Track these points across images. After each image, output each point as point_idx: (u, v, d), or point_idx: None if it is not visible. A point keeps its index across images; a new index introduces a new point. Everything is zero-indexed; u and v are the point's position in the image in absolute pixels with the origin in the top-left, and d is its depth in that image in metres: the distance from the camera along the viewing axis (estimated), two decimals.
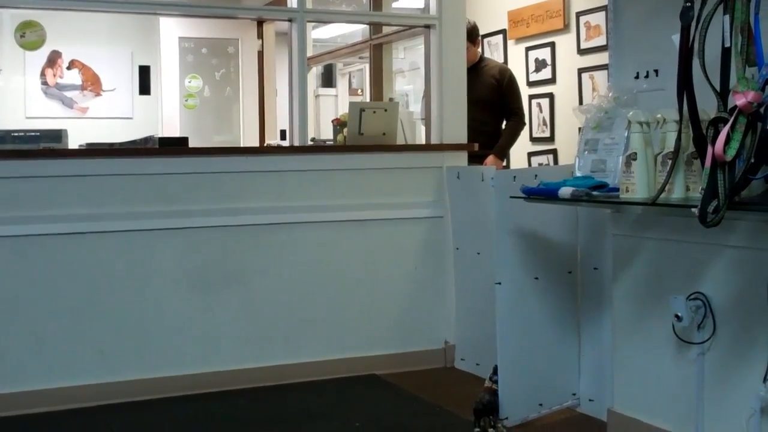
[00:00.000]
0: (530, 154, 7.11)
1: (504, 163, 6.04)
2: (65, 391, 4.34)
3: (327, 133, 6.62)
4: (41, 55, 8.01)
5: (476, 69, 5.88)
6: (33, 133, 4.63)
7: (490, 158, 5.71)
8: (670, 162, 3.10)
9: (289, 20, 5.02)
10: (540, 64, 7.16)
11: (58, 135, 4.58)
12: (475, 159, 5.42)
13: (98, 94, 8.48)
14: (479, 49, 6.20)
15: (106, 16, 7.90)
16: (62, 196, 4.36)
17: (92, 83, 8.44)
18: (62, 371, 4.36)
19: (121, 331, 4.46)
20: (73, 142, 4.75)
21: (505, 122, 5.97)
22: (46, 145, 4.48)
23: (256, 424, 4.17)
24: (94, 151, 4.62)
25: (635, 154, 3.24)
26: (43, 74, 8.28)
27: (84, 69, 8.42)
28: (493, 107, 5.88)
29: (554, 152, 7.02)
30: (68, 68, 8.37)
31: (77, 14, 7.10)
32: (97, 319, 4.42)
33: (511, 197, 3.79)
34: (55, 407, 4.28)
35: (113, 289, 4.45)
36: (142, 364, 4.50)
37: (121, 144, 4.83)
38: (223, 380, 4.61)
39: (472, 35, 5.87)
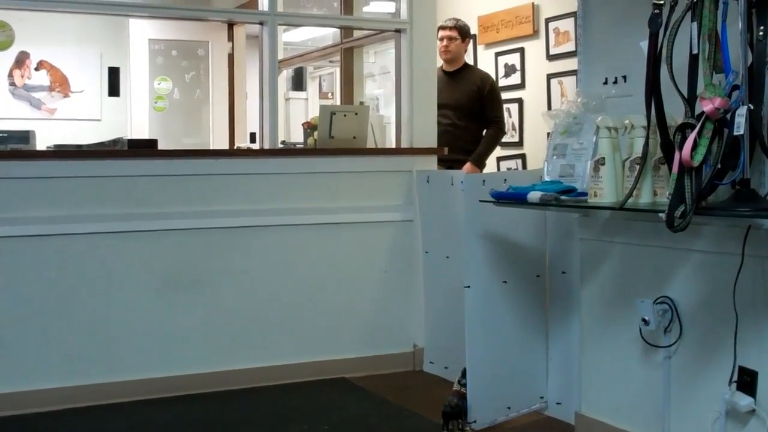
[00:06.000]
0: (499, 159, 7.13)
1: (483, 171, 6.01)
2: (31, 394, 4.30)
3: (297, 137, 6.60)
4: (9, 55, 7.93)
5: (459, 74, 5.92)
6: (0, 134, 4.59)
7: (468, 166, 5.68)
8: (637, 167, 3.12)
9: (260, 23, 5.02)
10: (509, 70, 7.19)
11: (25, 136, 4.55)
12: (453, 166, 5.42)
13: (66, 96, 8.41)
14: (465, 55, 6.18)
15: (75, 17, 7.83)
16: (30, 198, 4.32)
17: (60, 84, 8.36)
18: (28, 374, 4.32)
19: (89, 334, 4.43)
20: (41, 144, 4.71)
21: (485, 130, 5.97)
22: (13, 147, 4.45)
23: (225, 428, 4.15)
24: (62, 152, 4.59)
25: (603, 159, 3.27)
26: (10, 75, 8.19)
27: (52, 70, 8.34)
28: (473, 114, 5.87)
29: (523, 157, 7.05)
30: (36, 69, 8.28)
31: (46, 15, 7.05)
32: (64, 322, 4.38)
33: (480, 201, 3.81)
34: (21, 411, 4.24)
35: (80, 292, 4.42)
36: (109, 367, 4.47)
37: (89, 146, 4.80)
38: (192, 383, 4.59)
39: (465, 32, 5.91)
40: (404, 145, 5.22)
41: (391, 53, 5.77)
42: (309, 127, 5.40)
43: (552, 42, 6.74)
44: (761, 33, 2.76)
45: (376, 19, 6.91)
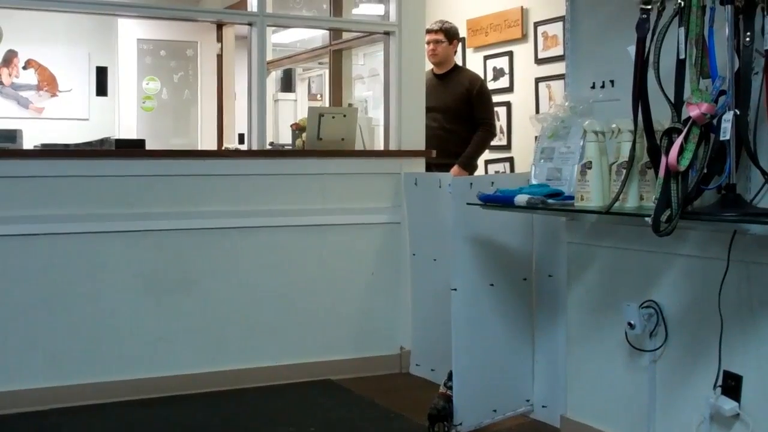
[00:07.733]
0: (487, 162, 7.14)
1: (473, 174, 5.96)
2: (15, 394, 4.28)
3: (286, 138, 6.60)
4: None
5: (448, 76, 5.91)
6: None
7: (454, 169, 5.63)
8: (624, 171, 3.14)
9: (249, 24, 5.01)
10: (498, 73, 7.20)
11: (12, 135, 4.52)
12: (442, 170, 5.40)
13: (54, 95, 8.39)
14: (454, 57, 6.16)
15: (64, 16, 7.81)
16: (16, 197, 4.30)
17: (48, 83, 8.34)
18: (13, 374, 4.30)
19: (75, 334, 4.41)
20: (28, 143, 4.69)
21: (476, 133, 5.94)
22: (0, 146, 4.42)
23: (210, 430, 4.14)
24: (49, 152, 4.58)
25: (590, 163, 3.28)
26: None
27: (40, 69, 8.32)
28: (462, 117, 5.84)
29: (511, 160, 7.05)
30: (24, 68, 8.27)
31: (34, 14, 7.02)
32: (49, 321, 4.36)
33: (467, 204, 3.82)
34: (5, 411, 4.22)
35: (67, 292, 4.40)
36: (94, 367, 4.45)
37: (76, 145, 4.79)
38: (178, 384, 4.57)
39: (452, 34, 5.89)
40: (392, 147, 5.22)
41: (380, 55, 5.78)
42: (297, 129, 5.40)
43: (540, 46, 6.76)
44: (748, 39, 2.78)
45: (365, 21, 6.91)
